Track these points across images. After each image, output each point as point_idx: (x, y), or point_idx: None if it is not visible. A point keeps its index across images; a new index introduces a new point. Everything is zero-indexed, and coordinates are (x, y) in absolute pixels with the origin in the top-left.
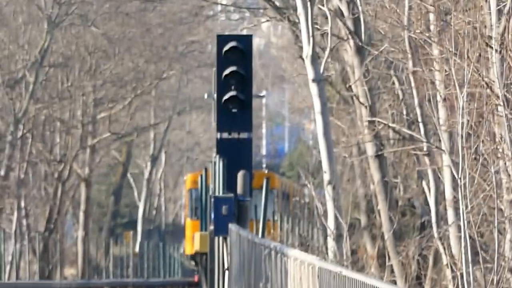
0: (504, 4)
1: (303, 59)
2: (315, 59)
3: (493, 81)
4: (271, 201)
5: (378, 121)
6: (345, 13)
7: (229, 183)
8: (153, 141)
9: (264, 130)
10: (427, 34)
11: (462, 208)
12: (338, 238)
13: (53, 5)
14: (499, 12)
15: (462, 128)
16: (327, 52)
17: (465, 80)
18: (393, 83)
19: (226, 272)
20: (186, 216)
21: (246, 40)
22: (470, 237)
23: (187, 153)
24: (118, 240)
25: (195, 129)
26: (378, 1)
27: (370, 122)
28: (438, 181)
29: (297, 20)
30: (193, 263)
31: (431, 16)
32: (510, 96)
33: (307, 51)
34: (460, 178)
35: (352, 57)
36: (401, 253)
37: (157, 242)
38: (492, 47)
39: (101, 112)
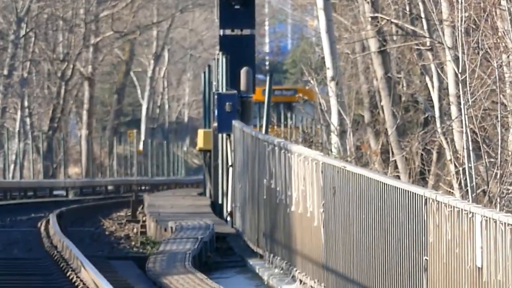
0: None
1: None
2: None
3: None
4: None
5: (381, 17)
6: None
7: (232, 80)
8: (156, 39)
9: (267, 27)
10: None
11: (463, 103)
12: (342, 134)
13: None
14: None
15: (461, 22)
16: None
17: None
18: None
19: (230, 169)
20: None
21: None
22: (473, 131)
23: (190, 51)
24: (122, 139)
25: (198, 27)
26: None
27: (372, 18)
28: (441, 76)
29: None
30: None
31: None
32: None
33: None
34: (461, 73)
35: None
36: (405, 148)
37: (161, 141)
38: None
39: (104, 10)
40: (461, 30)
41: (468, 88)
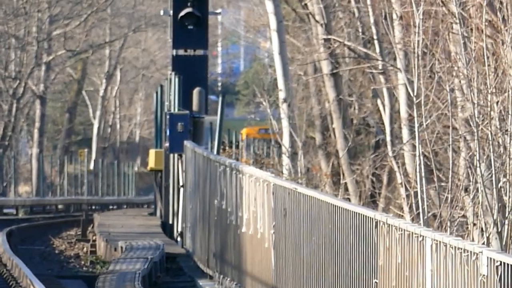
0: None
1: None
2: None
3: None
4: None
5: (334, 39)
6: None
7: (185, 100)
8: (108, 58)
9: (219, 48)
10: None
11: (417, 126)
12: (293, 155)
13: None
14: None
15: (417, 46)
16: None
17: None
18: (349, 1)
19: (181, 189)
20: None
21: None
22: (424, 155)
23: (143, 70)
24: (73, 158)
25: (151, 47)
26: None
27: (325, 40)
28: (393, 99)
29: None
30: None
31: None
32: (465, 14)
33: None
34: (415, 96)
35: None
36: (356, 171)
37: (112, 160)
38: None
39: (56, 29)
40: (417, 53)
41: (422, 111)
